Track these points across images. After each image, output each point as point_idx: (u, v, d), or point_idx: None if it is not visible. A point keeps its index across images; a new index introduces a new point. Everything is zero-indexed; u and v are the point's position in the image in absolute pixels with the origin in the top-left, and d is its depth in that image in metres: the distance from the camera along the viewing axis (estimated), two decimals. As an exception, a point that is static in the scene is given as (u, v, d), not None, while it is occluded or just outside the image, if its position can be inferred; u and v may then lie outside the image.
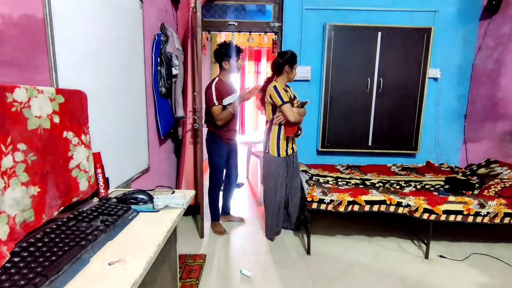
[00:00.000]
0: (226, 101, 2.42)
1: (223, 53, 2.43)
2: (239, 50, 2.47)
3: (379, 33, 3.02)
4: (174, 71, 2.36)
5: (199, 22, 2.30)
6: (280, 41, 3.20)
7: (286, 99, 2.23)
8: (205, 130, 2.54)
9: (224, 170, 2.69)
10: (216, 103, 2.39)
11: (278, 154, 2.37)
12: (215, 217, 2.70)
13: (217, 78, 2.48)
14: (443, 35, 3.13)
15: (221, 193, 2.75)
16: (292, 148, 2.46)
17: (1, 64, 0.89)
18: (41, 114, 0.82)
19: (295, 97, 2.40)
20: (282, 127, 2.33)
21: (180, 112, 2.56)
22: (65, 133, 0.92)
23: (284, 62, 2.30)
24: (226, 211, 2.89)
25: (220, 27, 3.21)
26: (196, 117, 2.49)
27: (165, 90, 2.30)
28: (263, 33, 3.29)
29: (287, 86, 2.39)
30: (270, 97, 2.28)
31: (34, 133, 0.79)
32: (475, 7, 3.13)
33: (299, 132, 2.40)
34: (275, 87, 2.25)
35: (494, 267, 2.15)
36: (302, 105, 2.33)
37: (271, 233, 2.48)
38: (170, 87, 2.41)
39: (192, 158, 2.81)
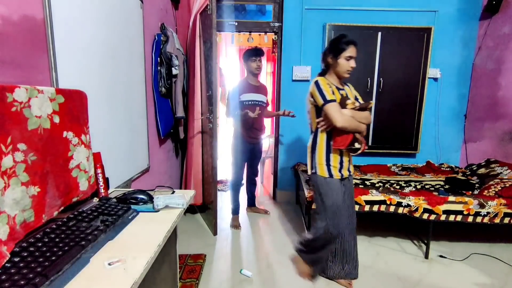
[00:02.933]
0: (244, 98, 2.63)
1: (248, 54, 2.63)
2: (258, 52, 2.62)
3: (379, 33, 3.02)
4: (174, 71, 2.36)
5: (214, 24, 2.31)
6: (280, 41, 3.20)
7: (330, 97, 1.64)
8: (218, 129, 2.68)
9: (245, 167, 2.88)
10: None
11: (330, 175, 1.73)
12: (232, 212, 2.83)
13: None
14: (443, 35, 3.13)
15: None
16: (349, 169, 1.81)
17: (1, 64, 0.89)
18: (41, 114, 0.81)
19: (356, 100, 1.83)
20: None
21: (180, 112, 2.56)
22: (65, 133, 0.92)
23: (326, 51, 1.77)
24: (250, 203, 3.11)
25: (220, 27, 3.21)
26: (211, 117, 2.47)
27: (165, 90, 2.29)
28: (263, 33, 3.30)
29: (344, 84, 1.84)
30: (312, 95, 1.73)
31: (34, 133, 0.79)
32: (475, 7, 3.13)
33: (357, 145, 1.70)
34: (316, 82, 1.70)
35: (494, 267, 2.15)
36: (362, 108, 1.73)
37: (316, 271, 1.95)
38: (170, 87, 2.40)
39: (199, 159, 2.81)
